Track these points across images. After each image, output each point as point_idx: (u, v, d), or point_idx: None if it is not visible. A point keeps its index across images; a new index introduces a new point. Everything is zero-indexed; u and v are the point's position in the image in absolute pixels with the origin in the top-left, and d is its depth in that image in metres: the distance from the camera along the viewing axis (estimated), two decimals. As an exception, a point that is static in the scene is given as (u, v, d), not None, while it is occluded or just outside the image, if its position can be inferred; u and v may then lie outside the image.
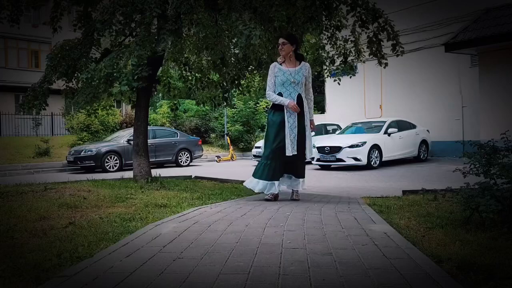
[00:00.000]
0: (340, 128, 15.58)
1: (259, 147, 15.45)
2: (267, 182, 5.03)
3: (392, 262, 2.28)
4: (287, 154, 4.98)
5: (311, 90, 5.31)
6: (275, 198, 5.06)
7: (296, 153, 5.06)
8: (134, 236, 2.95)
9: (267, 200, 5.00)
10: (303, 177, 5.35)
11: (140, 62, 5.99)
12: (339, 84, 8.59)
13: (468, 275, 2.21)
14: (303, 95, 5.15)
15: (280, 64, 5.17)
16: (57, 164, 15.72)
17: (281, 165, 5.11)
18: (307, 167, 6.32)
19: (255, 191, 5.22)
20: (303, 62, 5.23)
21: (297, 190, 5.33)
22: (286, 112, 5.07)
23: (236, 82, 8.06)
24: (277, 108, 5.15)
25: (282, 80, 5.08)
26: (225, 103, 8.58)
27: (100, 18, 6.08)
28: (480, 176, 3.59)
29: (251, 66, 7.86)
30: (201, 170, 13.68)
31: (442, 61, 14.50)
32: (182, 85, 8.68)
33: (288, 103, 4.99)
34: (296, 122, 5.09)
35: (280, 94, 5.10)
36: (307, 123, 5.23)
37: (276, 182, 5.06)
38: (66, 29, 8.32)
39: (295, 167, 5.24)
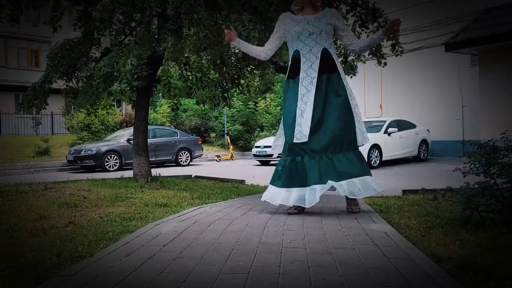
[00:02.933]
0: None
1: (259, 147, 15.45)
2: (280, 189, 3.79)
3: (392, 261, 2.28)
4: (294, 141, 3.75)
5: (352, 35, 3.96)
6: (297, 210, 3.75)
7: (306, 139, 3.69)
8: (134, 236, 2.95)
9: (289, 213, 3.75)
10: (365, 174, 3.80)
11: (140, 61, 5.99)
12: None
13: (468, 275, 2.21)
14: (331, 51, 3.87)
15: (294, 14, 3.93)
16: (57, 163, 15.71)
17: (305, 162, 3.73)
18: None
19: (275, 204, 3.84)
20: (327, 8, 4.00)
21: (354, 199, 3.82)
22: (302, 72, 3.79)
23: (236, 81, 8.07)
24: (292, 73, 3.88)
25: (297, 32, 3.80)
26: (224, 103, 8.59)
27: (100, 17, 6.07)
28: (480, 175, 3.59)
29: (250, 66, 7.87)
30: (201, 169, 13.68)
31: (442, 61, 14.49)
32: (182, 85, 8.68)
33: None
34: (324, 90, 3.73)
35: (296, 53, 3.84)
36: (349, 91, 3.82)
37: (296, 190, 3.70)
38: (66, 28, 8.32)
39: (334, 162, 3.71)
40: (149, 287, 1.93)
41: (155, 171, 7.91)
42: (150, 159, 7.81)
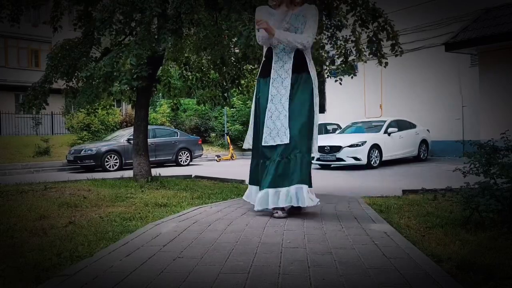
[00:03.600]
0: (340, 128, 15.58)
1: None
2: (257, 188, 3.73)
3: (392, 261, 2.28)
4: (262, 144, 3.62)
5: (308, 32, 3.62)
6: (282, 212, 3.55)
7: (286, 141, 3.54)
8: (134, 236, 2.95)
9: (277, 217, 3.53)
10: (306, 183, 3.56)
11: (139, 61, 5.99)
12: (340, 84, 8.58)
13: (468, 275, 2.21)
14: (305, 50, 3.66)
15: (272, 8, 3.70)
16: (57, 163, 15.71)
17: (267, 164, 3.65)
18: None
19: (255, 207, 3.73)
20: (306, 4, 3.72)
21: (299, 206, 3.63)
22: (273, 72, 3.63)
23: (236, 81, 8.07)
24: (263, 72, 3.74)
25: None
26: (224, 103, 8.59)
27: (100, 17, 6.07)
28: (480, 175, 3.59)
29: (250, 66, 7.86)
30: (201, 169, 13.67)
31: (442, 61, 14.49)
32: (182, 85, 8.68)
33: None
34: (288, 90, 3.59)
35: (268, 51, 3.68)
36: (314, 94, 3.64)
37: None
38: (66, 28, 8.31)
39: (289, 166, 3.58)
40: (149, 287, 1.92)
41: (155, 171, 7.91)
42: (150, 159, 7.81)
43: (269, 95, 3.63)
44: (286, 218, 3.52)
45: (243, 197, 4.07)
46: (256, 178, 3.82)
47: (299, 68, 3.66)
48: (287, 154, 3.56)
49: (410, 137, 13.51)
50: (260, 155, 3.72)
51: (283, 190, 3.51)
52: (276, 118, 3.61)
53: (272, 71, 3.65)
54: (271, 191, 3.53)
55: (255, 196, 3.73)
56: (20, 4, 6.68)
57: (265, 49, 3.78)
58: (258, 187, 3.74)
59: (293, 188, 3.50)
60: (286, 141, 3.54)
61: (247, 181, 4.12)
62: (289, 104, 3.60)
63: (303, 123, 3.60)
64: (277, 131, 3.59)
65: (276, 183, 3.53)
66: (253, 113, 3.89)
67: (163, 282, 1.99)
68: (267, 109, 3.64)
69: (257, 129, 3.80)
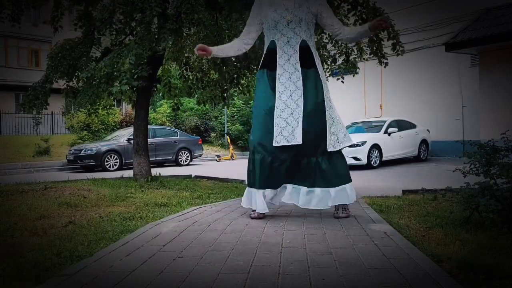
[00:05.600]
0: (340, 128, 15.56)
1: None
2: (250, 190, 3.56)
3: (392, 261, 2.28)
4: (274, 144, 3.40)
5: (338, 22, 3.55)
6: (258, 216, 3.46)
7: (300, 141, 3.36)
8: (134, 235, 2.95)
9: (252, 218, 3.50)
10: (346, 181, 3.50)
11: (139, 61, 6.00)
12: (342, 82, 8.59)
13: (468, 275, 2.21)
14: (311, 43, 3.51)
15: None
16: (57, 163, 15.71)
17: (280, 163, 3.44)
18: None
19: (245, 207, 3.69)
20: None
21: (345, 205, 3.53)
22: (278, 68, 3.44)
23: (236, 81, 8.07)
24: (268, 65, 3.52)
25: (274, 20, 3.43)
26: (223, 103, 8.59)
27: (100, 17, 6.07)
28: (480, 176, 3.59)
29: (251, 66, 7.87)
30: (201, 169, 13.67)
31: (442, 61, 14.48)
32: (182, 85, 8.69)
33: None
34: (301, 89, 3.40)
35: (272, 44, 3.48)
36: (326, 89, 3.46)
37: (261, 192, 3.47)
38: (67, 28, 8.31)
39: (311, 167, 3.45)
40: (149, 287, 1.92)
41: (155, 171, 7.91)
42: (150, 159, 7.81)
43: (277, 92, 3.43)
44: (264, 219, 3.49)
45: (243, 204, 3.70)
46: (265, 180, 3.48)
47: (307, 62, 3.47)
48: (304, 154, 3.45)
49: (410, 137, 13.51)
50: (270, 155, 3.45)
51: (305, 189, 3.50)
52: (289, 115, 3.40)
53: (278, 66, 3.45)
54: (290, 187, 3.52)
55: (258, 200, 3.48)
56: (20, 4, 6.68)
57: (266, 43, 3.56)
58: (261, 190, 3.49)
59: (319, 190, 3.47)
60: (300, 141, 3.37)
61: (246, 182, 3.97)
62: (303, 101, 3.40)
63: (321, 121, 3.44)
64: (291, 129, 3.39)
65: (296, 182, 3.51)
66: (253, 108, 3.72)
67: (163, 282, 1.99)
68: (275, 107, 3.42)
69: (256, 124, 3.56)
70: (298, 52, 3.44)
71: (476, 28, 11.16)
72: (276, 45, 3.47)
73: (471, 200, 3.34)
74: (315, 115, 3.42)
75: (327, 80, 3.87)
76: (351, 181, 3.57)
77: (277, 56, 3.48)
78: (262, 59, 3.61)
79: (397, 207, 4.39)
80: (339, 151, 3.59)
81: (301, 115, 3.39)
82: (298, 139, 3.37)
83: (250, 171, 3.53)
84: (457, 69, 14.61)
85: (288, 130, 3.39)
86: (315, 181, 3.46)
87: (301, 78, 3.44)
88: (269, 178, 3.44)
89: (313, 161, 3.46)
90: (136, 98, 7.49)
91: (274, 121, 3.40)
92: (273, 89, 3.46)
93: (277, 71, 3.45)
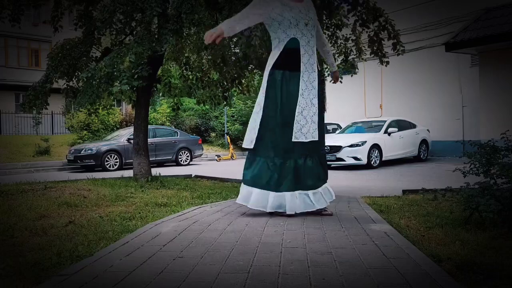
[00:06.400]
0: (340, 128, 15.58)
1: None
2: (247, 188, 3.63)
3: (392, 261, 2.28)
4: (293, 139, 3.52)
5: (324, 36, 3.85)
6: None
7: (316, 138, 3.56)
8: (134, 235, 2.95)
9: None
10: (325, 182, 3.71)
11: (139, 60, 5.99)
12: (341, 82, 8.57)
13: (468, 274, 2.21)
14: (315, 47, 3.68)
15: None
16: (57, 163, 15.72)
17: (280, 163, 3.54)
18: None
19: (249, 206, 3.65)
20: None
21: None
22: (302, 66, 3.51)
23: (237, 81, 8.07)
24: (284, 64, 3.51)
25: (294, 19, 3.44)
26: (224, 103, 8.59)
27: (100, 17, 6.07)
28: (480, 176, 3.59)
29: (251, 65, 7.86)
30: (201, 169, 13.67)
31: (442, 61, 14.49)
32: (182, 84, 8.69)
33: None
34: (315, 86, 3.54)
35: (294, 42, 3.47)
36: (314, 94, 3.52)
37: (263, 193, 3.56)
38: (67, 28, 8.31)
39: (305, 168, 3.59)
40: (149, 287, 1.92)
41: (155, 171, 7.91)
42: (150, 159, 7.82)
43: (300, 89, 3.47)
44: (264, 219, 3.48)
45: (239, 201, 3.69)
46: (263, 179, 3.57)
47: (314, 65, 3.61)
48: (311, 153, 3.60)
49: (410, 137, 13.51)
50: (272, 153, 3.54)
51: (308, 193, 3.60)
52: (308, 114, 3.52)
53: (302, 65, 3.49)
54: (289, 194, 3.55)
55: (259, 198, 3.56)
56: (20, 4, 6.68)
57: (284, 40, 3.49)
58: (261, 189, 3.56)
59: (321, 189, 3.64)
60: (316, 138, 3.55)
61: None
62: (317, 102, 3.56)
63: (322, 122, 3.66)
64: (308, 127, 3.51)
65: (299, 187, 3.57)
66: (262, 107, 3.56)
67: (163, 281, 1.99)
68: (297, 104, 3.48)
69: (268, 124, 3.55)
70: (315, 53, 3.56)
71: (476, 28, 11.16)
72: (299, 43, 3.48)
73: (471, 200, 3.34)
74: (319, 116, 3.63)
75: (324, 80, 3.96)
76: (327, 181, 3.74)
77: (301, 54, 3.51)
78: (274, 58, 3.55)
79: (397, 207, 4.40)
80: (324, 155, 3.81)
81: (317, 114, 3.54)
82: (315, 137, 3.55)
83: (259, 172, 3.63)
84: (457, 69, 14.61)
85: (306, 127, 3.51)
86: (300, 185, 3.59)
87: (317, 78, 3.56)
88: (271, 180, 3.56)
89: (300, 163, 3.58)
90: (136, 98, 7.49)
91: (295, 118, 3.48)
92: (291, 90, 3.50)
93: (301, 70, 3.49)
